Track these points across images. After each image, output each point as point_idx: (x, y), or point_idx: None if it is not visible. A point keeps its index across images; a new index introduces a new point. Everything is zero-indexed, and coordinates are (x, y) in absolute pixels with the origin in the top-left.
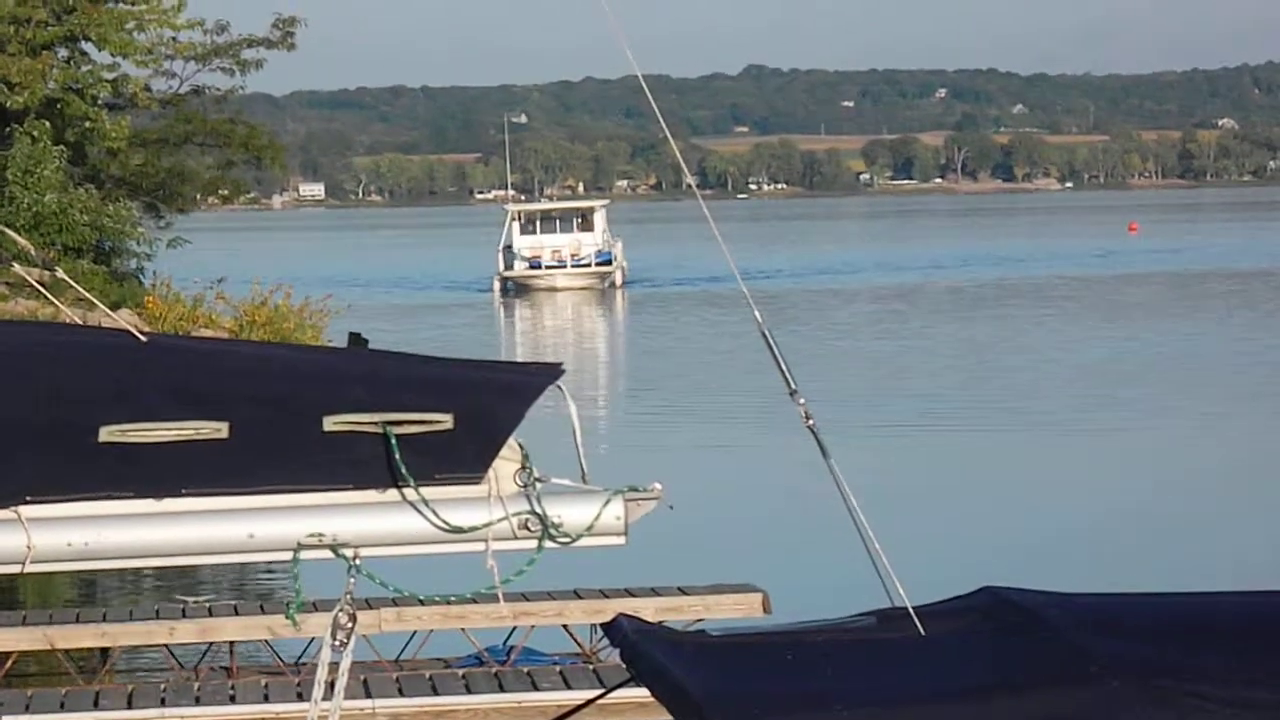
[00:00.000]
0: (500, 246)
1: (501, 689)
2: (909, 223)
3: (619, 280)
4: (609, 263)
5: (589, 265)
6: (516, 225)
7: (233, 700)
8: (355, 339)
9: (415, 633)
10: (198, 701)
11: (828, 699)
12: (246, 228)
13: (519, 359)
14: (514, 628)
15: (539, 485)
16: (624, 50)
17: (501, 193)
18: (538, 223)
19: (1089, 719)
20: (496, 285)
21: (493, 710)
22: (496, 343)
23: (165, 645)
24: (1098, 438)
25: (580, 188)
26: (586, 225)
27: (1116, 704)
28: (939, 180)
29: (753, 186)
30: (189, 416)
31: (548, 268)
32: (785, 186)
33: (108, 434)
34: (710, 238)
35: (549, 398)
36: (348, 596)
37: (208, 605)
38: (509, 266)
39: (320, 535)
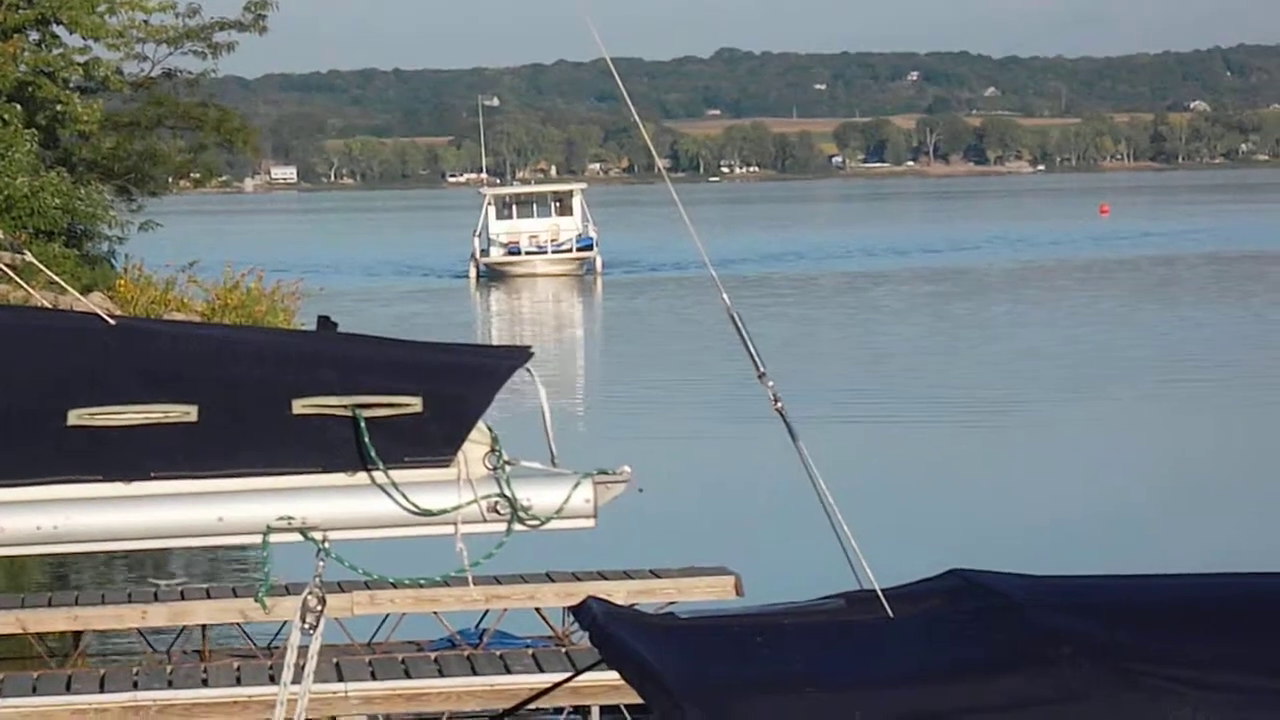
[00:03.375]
0: (476, 231)
1: (474, 672)
2: (881, 206)
3: (598, 266)
4: (590, 248)
5: (569, 250)
6: (492, 209)
7: (205, 683)
8: (324, 322)
9: (387, 616)
10: (170, 685)
11: (796, 681)
12: (219, 211)
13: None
14: (486, 610)
15: (508, 468)
16: (592, 33)
17: (474, 176)
18: (514, 207)
19: (1058, 701)
20: (472, 271)
21: (465, 693)
22: (472, 329)
23: (137, 629)
24: (1068, 424)
25: (553, 171)
26: (565, 209)
27: (1086, 686)
28: (911, 163)
29: (725, 169)
30: (158, 400)
31: (527, 253)
32: (757, 169)
33: (76, 417)
34: (689, 221)
35: (519, 381)
36: (317, 580)
37: (180, 588)
38: (485, 252)
39: (289, 518)
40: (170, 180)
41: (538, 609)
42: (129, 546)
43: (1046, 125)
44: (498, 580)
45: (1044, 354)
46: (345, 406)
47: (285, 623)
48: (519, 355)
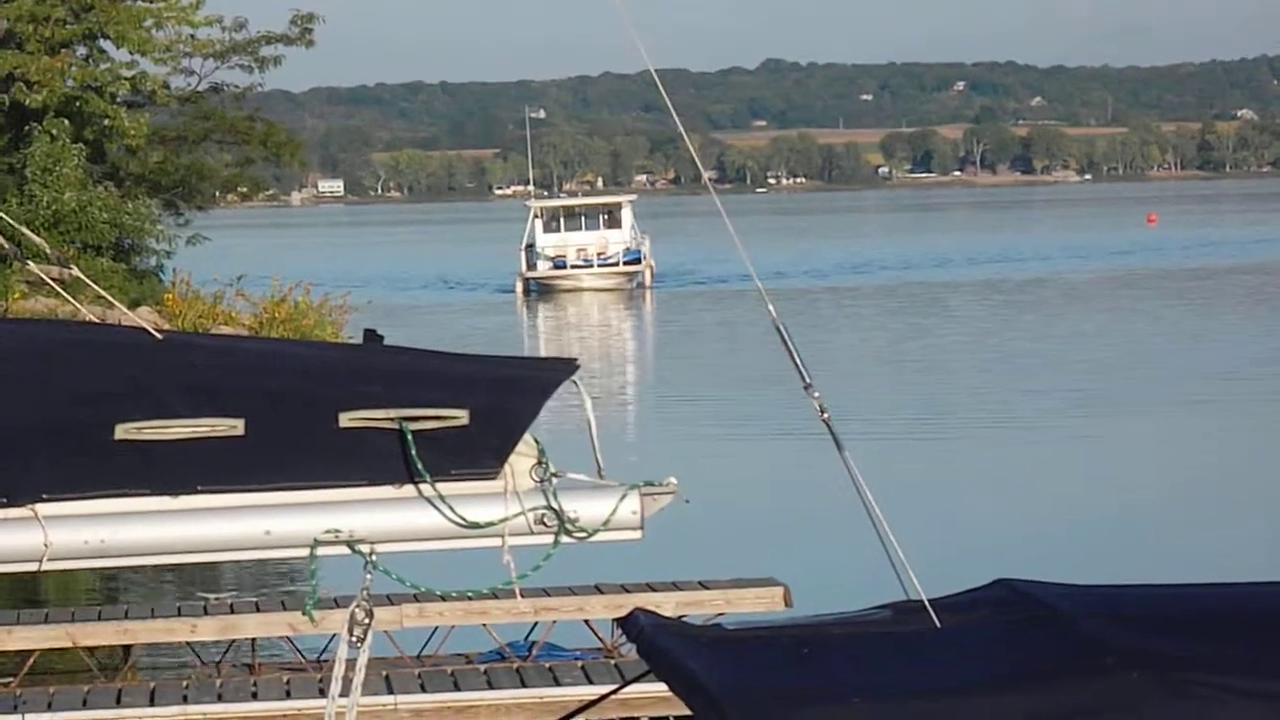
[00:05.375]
0: (523, 245)
1: (523, 684)
2: (930, 216)
3: (647, 280)
4: (638, 261)
5: (616, 264)
6: (539, 223)
7: (255, 697)
8: (371, 335)
9: (436, 628)
10: (220, 698)
11: (843, 692)
12: (266, 224)
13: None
14: (535, 623)
15: (555, 480)
16: (637, 44)
17: (520, 188)
18: (562, 220)
19: (1106, 710)
20: (519, 286)
21: (515, 705)
22: (519, 343)
23: (187, 642)
24: (1114, 431)
25: (599, 183)
26: (613, 222)
27: (1133, 695)
28: (958, 173)
29: (771, 180)
30: (205, 414)
31: (573, 267)
32: (804, 180)
33: (124, 431)
34: (737, 233)
35: (565, 393)
36: (364, 593)
37: (229, 602)
38: (531, 266)
39: (337, 531)
40: (217, 194)
41: (586, 621)
42: (177, 560)
43: (1093, 135)
44: (546, 592)
45: (1092, 363)
46: (392, 419)
47: (334, 635)
48: (565, 367)
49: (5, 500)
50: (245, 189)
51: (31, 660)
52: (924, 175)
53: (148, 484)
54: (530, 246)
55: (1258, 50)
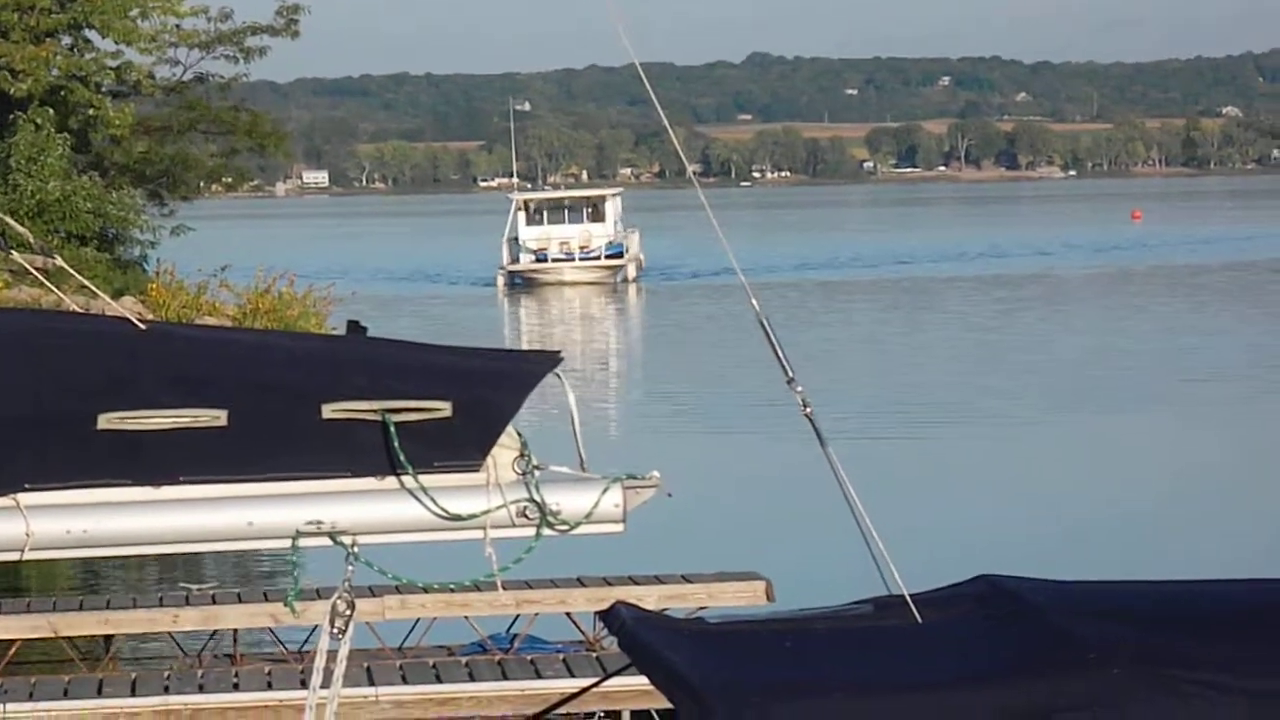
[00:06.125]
0: (505, 238)
1: (505, 677)
2: (915, 211)
3: (632, 274)
4: (620, 255)
5: (598, 258)
6: (523, 215)
7: (236, 688)
8: (354, 327)
9: (418, 620)
10: (201, 689)
11: (824, 686)
12: (250, 215)
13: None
14: (517, 615)
15: (537, 473)
16: (622, 37)
17: (505, 180)
18: (545, 212)
19: (1086, 705)
20: (500, 279)
21: (496, 698)
22: (500, 335)
23: (169, 633)
24: (1095, 429)
25: (584, 175)
26: (597, 215)
27: (1114, 690)
28: (942, 168)
29: (756, 174)
30: (188, 404)
31: (555, 260)
32: (789, 174)
33: (106, 421)
34: (723, 226)
35: (548, 386)
36: (346, 584)
37: (211, 592)
38: (514, 259)
39: (319, 523)
40: (202, 184)
41: (568, 614)
42: (159, 550)
43: (1078, 130)
44: (528, 585)
45: (1074, 360)
46: (375, 411)
47: (316, 627)
48: (548, 360)
49: None
50: (230, 179)
51: (12, 650)
52: (909, 170)
53: (130, 474)
54: (513, 239)
55: (1243, 47)
